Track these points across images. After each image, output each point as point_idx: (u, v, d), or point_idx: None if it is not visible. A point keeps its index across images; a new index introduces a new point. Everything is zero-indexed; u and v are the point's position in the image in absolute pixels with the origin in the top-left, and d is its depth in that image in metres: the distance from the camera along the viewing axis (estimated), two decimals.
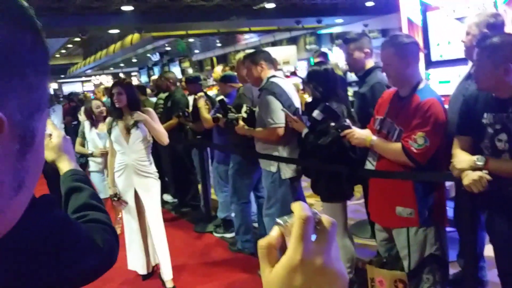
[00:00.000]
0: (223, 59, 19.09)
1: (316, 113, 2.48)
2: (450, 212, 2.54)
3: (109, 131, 3.18)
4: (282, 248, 0.43)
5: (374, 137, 2.24)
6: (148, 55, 16.46)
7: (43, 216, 0.66)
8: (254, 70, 3.07)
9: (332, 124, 2.38)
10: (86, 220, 0.89)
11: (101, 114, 4.19)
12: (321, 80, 2.67)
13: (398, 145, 2.14)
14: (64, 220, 0.74)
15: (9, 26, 0.30)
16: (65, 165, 1.04)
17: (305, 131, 2.70)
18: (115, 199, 3.18)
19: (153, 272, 3.42)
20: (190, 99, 4.83)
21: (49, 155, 1.05)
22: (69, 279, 0.72)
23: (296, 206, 0.43)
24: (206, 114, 3.95)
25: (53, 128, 1.10)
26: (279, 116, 2.89)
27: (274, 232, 0.43)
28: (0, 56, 0.29)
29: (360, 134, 2.27)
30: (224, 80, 4.07)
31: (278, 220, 0.44)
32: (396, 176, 2.26)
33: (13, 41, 0.30)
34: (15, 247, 0.57)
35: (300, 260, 0.40)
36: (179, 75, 10.16)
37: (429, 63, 3.66)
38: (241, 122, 3.21)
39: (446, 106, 2.27)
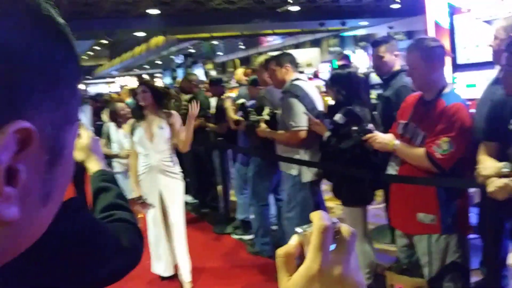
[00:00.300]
0: (246, 61, 19.17)
1: (338, 117, 2.47)
2: (473, 219, 2.48)
3: (132, 133, 3.17)
4: (300, 257, 0.43)
5: (397, 142, 2.21)
6: (172, 57, 16.71)
7: (71, 220, 0.68)
8: (279, 72, 3.07)
9: (354, 128, 2.36)
10: (112, 220, 0.90)
11: (127, 115, 4.24)
12: (344, 84, 2.66)
13: (421, 150, 2.10)
14: (91, 223, 0.75)
15: (45, 40, 0.31)
16: (94, 165, 1.06)
17: (326, 134, 2.68)
18: (140, 201, 3.11)
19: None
20: (213, 100, 4.89)
21: (78, 155, 1.07)
22: (96, 281, 0.73)
23: (315, 216, 0.43)
24: (232, 114, 3.94)
25: (83, 129, 1.12)
26: (301, 119, 2.88)
27: (293, 241, 0.43)
28: (35, 69, 0.30)
29: (383, 138, 2.25)
30: (254, 83, 4.12)
31: (297, 229, 0.43)
32: (419, 182, 2.22)
33: (48, 55, 0.31)
34: (44, 251, 0.58)
35: (319, 270, 0.40)
36: (202, 77, 10.26)
37: (456, 67, 3.59)
38: (262, 125, 3.21)
39: (472, 111, 2.22)
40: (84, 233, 0.71)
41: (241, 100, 3.79)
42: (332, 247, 0.42)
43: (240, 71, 5.42)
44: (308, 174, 2.98)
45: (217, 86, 4.92)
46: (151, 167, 3.11)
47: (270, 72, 3.15)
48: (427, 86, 2.17)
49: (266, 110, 3.23)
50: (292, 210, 3.06)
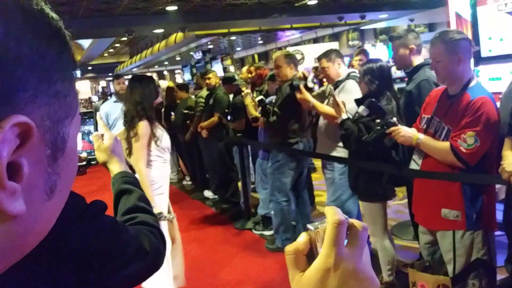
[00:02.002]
0: (264, 56, 19.13)
1: (361, 109, 2.45)
2: (499, 215, 2.43)
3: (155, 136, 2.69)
4: (308, 255, 0.43)
5: (421, 135, 2.19)
6: (191, 53, 16.82)
7: (94, 223, 0.69)
8: (332, 68, 3.11)
9: (378, 120, 2.34)
10: (134, 223, 0.90)
11: None
12: (376, 75, 2.61)
13: (446, 144, 2.07)
14: (114, 226, 0.75)
15: (37, 35, 0.32)
16: (115, 167, 1.06)
17: (343, 117, 2.66)
18: (166, 218, 2.62)
19: None
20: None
21: (100, 156, 1.07)
22: (116, 284, 0.74)
23: (329, 210, 0.43)
24: (253, 111, 3.94)
25: (105, 130, 1.12)
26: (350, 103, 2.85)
27: (302, 238, 0.44)
28: (28, 65, 0.30)
29: (406, 131, 2.22)
30: (272, 78, 4.12)
31: (309, 226, 0.44)
32: (443, 177, 2.18)
33: (40, 50, 0.32)
34: (66, 253, 0.60)
35: (334, 264, 0.40)
36: (220, 72, 10.31)
37: (479, 59, 3.50)
38: (305, 92, 3.11)
39: (498, 104, 2.17)
40: (106, 236, 0.71)
41: (260, 97, 3.79)
42: (345, 242, 0.42)
43: (244, 69, 5.46)
44: None
45: (229, 84, 4.89)
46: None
47: (322, 70, 3.19)
48: (452, 79, 2.13)
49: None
50: (337, 200, 3.10)
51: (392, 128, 2.25)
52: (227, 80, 4.94)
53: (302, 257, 0.43)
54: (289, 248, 0.43)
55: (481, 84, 2.19)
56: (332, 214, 0.42)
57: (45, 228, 0.36)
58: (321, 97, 3.35)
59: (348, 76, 3.08)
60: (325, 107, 3.04)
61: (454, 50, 2.07)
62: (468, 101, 2.02)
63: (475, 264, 2.13)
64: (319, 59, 3.23)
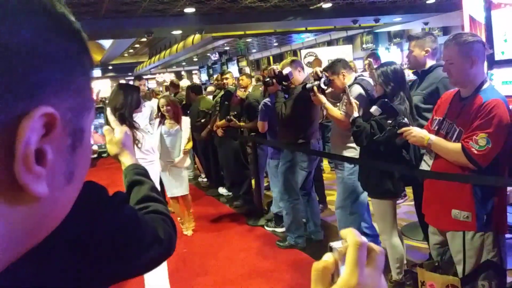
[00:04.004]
0: (279, 58, 19.16)
1: (373, 109, 2.47)
2: (510, 218, 2.45)
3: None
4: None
5: (433, 136, 2.20)
6: (208, 54, 16.98)
7: (117, 213, 0.73)
8: (338, 80, 3.19)
9: (389, 121, 2.37)
10: (147, 211, 0.93)
11: (168, 112, 4.23)
12: (391, 77, 2.66)
13: (457, 145, 2.07)
14: (134, 216, 0.79)
15: (60, 35, 0.35)
16: (127, 160, 1.10)
17: (354, 115, 2.73)
18: None
19: None
20: None
21: (112, 149, 1.12)
22: (133, 269, 0.79)
23: (349, 233, 0.45)
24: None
25: (116, 124, 1.19)
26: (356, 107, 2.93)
27: (329, 257, 0.46)
28: (53, 61, 0.34)
29: (418, 132, 2.23)
30: (268, 84, 4.24)
31: (332, 245, 0.46)
32: (453, 178, 2.18)
33: (63, 48, 0.35)
34: (90, 240, 0.64)
35: (357, 284, 0.43)
36: (236, 74, 10.40)
37: (492, 63, 3.52)
38: (318, 94, 3.17)
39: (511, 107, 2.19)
40: (128, 224, 0.75)
41: (267, 99, 3.95)
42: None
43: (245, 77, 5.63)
44: None
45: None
46: None
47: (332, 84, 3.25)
48: (464, 82, 2.13)
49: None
50: (346, 199, 3.18)
51: (404, 129, 2.27)
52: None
53: (328, 275, 0.45)
54: (318, 265, 0.45)
55: (494, 87, 2.18)
56: (353, 236, 0.45)
57: (62, 213, 0.38)
58: (333, 97, 3.41)
59: (355, 81, 3.16)
60: (334, 111, 3.11)
61: (467, 52, 2.07)
62: (481, 103, 2.01)
63: (485, 265, 2.12)
64: (324, 71, 3.31)
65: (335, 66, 3.21)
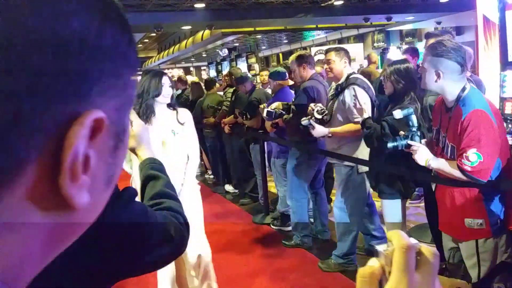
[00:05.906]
0: (289, 55, 19.13)
1: (396, 112, 2.36)
2: None
3: None
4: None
5: (432, 161, 2.13)
6: (217, 50, 16.99)
7: (127, 209, 0.72)
8: (337, 64, 3.12)
9: (402, 132, 2.32)
10: (160, 208, 0.91)
11: None
12: (402, 76, 2.64)
13: (455, 166, 2.03)
14: (144, 212, 0.78)
15: (113, 28, 0.31)
16: (144, 153, 1.09)
17: (364, 116, 2.71)
18: None
19: None
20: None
21: (129, 142, 1.07)
22: (143, 266, 0.78)
23: (395, 235, 0.42)
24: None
25: (134, 117, 1.16)
26: (366, 109, 2.92)
27: (375, 262, 0.42)
28: (104, 57, 0.30)
29: (421, 152, 2.17)
30: (273, 76, 4.24)
31: (378, 248, 0.43)
32: (462, 184, 2.11)
33: (115, 42, 0.31)
34: (97, 236, 0.62)
35: None
36: (245, 70, 10.41)
37: (506, 64, 3.47)
38: (317, 126, 3.13)
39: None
40: (137, 221, 0.74)
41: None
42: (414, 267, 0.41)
43: (264, 73, 5.56)
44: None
45: (244, 83, 4.94)
46: None
47: (327, 62, 3.18)
48: (433, 90, 2.14)
49: (317, 107, 3.15)
50: (346, 200, 3.15)
51: (414, 143, 2.21)
52: (240, 80, 4.96)
53: (376, 282, 0.42)
54: (364, 271, 0.42)
55: (475, 91, 2.08)
56: (399, 238, 0.41)
57: (96, 216, 0.35)
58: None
59: (348, 79, 3.07)
60: (344, 128, 3.06)
61: (435, 65, 2.02)
62: (461, 118, 1.97)
63: (500, 267, 2.09)
64: (327, 51, 3.24)
65: (341, 50, 3.17)
